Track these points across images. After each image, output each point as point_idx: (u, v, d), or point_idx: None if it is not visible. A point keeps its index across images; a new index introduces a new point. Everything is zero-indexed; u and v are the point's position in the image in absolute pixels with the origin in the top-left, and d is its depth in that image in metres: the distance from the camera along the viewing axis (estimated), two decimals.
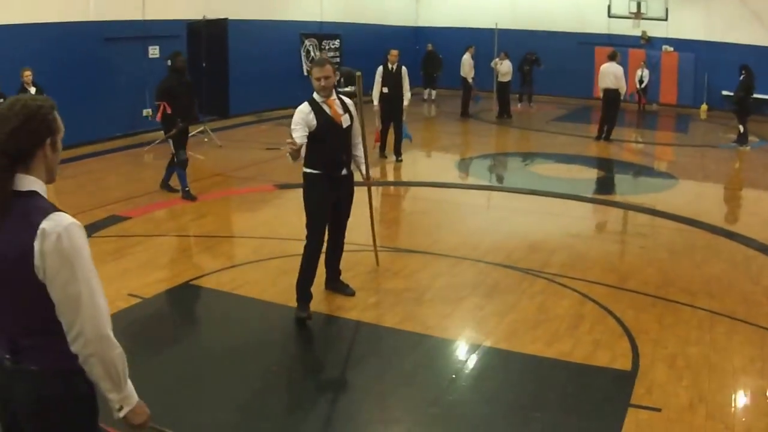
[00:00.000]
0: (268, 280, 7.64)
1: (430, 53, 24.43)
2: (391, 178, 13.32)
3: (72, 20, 15.64)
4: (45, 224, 2.59)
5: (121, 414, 2.74)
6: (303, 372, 5.92)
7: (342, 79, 19.43)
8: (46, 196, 2.73)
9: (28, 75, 12.92)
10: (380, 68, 14.03)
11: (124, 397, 2.73)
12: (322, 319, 6.67)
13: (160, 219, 10.13)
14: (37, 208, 2.64)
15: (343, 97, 6.81)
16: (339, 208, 6.84)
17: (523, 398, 5.25)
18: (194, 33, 16.94)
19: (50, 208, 2.66)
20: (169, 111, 10.49)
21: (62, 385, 2.72)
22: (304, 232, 6.67)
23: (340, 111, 6.62)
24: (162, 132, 11.27)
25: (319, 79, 6.43)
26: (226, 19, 16.78)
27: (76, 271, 2.61)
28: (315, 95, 6.53)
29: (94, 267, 2.69)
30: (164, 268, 8.07)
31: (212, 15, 16.97)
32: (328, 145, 6.54)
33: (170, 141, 10.74)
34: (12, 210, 2.62)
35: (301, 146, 6.21)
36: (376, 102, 14.03)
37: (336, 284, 7.25)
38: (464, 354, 6.01)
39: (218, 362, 5.85)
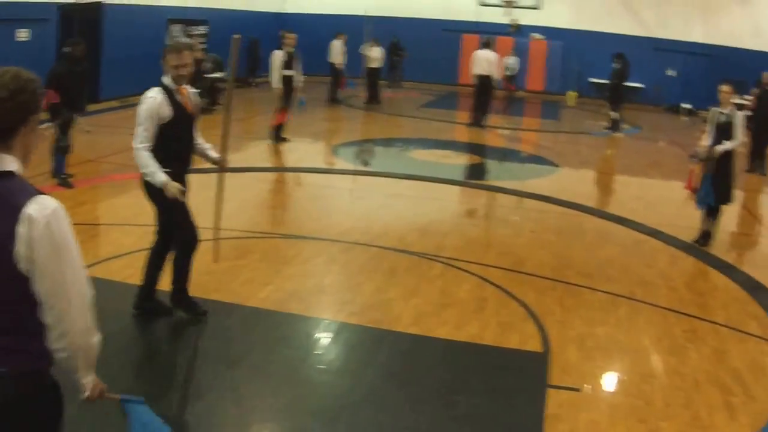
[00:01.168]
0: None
1: (279, 38, 24.08)
2: (269, 164, 13.11)
3: None
4: (31, 209, 2.38)
5: (86, 394, 2.66)
6: (218, 361, 5.57)
7: (210, 66, 19.23)
8: (22, 175, 2.51)
9: None
10: (278, 52, 14.11)
11: (90, 378, 2.65)
12: (222, 309, 6.37)
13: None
14: (19, 189, 2.43)
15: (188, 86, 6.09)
16: None
17: (443, 382, 5.18)
18: (66, 17, 16.34)
19: (33, 191, 2.44)
20: (56, 100, 9.93)
21: (30, 386, 2.53)
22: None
23: (190, 100, 6.02)
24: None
25: (176, 67, 5.78)
26: (100, 3, 16.21)
27: (65, 258, 2.44)
28: (166, 81, 5.85)
29: (79, 252, 2.51)
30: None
31: None
32: (180, 140, 5.91)
33: (56, 127, 10.25)
34: None
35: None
36: (276, 85, 14.00)
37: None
38: (375, 340, 5.85)
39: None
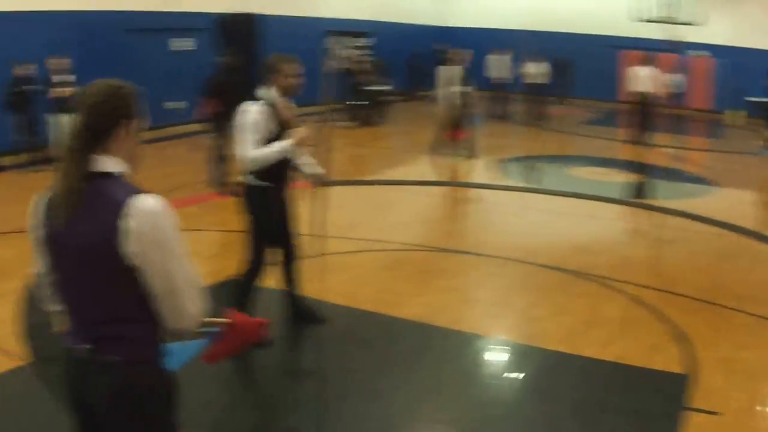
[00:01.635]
0: (311, 278, 7.71)
1: (438, 53, 24.06)
2: (431, 178, 13.32)
3: (92, 9, 15.77)
4: (135, 205, 2.50)
5: None
6: (361, 370, 5.82)
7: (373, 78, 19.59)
8: (128, 178, 2.67)
9: (55, 63, 13.14)
10: (443, 68, 14.16)
11: None
12: (372, 318, 6.73)
13: (193, 214, 10.15)
14: (121, 188, 2.57)
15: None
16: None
17: (585, 400, 5.30)
18: (222, 27, 17.04)
19: (135, 189, 2.58)
20: (219, 108, 10.49)
21: (142, 377, 2.67)
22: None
23: (292, 113, 5.89)
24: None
25: (291, 77, 5.72)
26: (254, 14, 16.81)
27: (173, 250, 2.57)
28: (269, 94, 5.73)
29: (184, 243, 2.63)
30: (204, 263, 8.03)
31: (240, 9, 17.06)
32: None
33: (219, 137, 10.84)
34: (96, 191, 2.54)
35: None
36: (442, 102, 14.13)
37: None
38: (520, 355, 6.08)
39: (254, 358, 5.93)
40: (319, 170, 6.21)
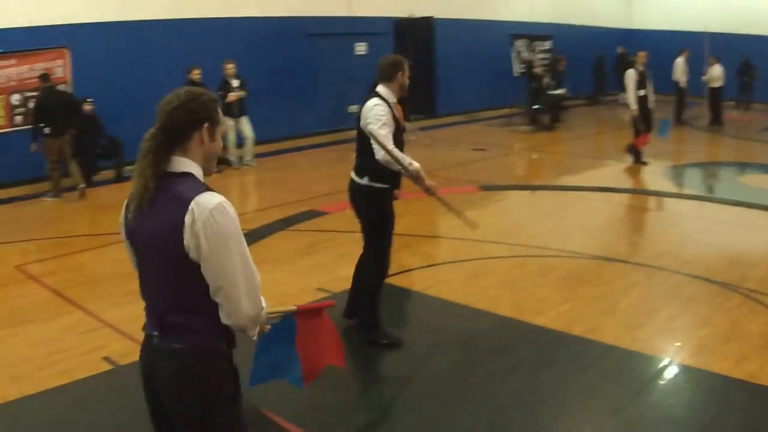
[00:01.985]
0: (459, 281, 7.80)
1: (621, 56, 23.53)
2: (602, 184, 12.82)
3: (274, 15, 16.38)
4: (198, 201, 2.67)
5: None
6: (483, 376, 5.82)
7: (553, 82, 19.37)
8: (202, 180, 2.84)
9: (231, 68, 13.82)
10: (632, 71, 13.83)
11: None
12: (508, 324, 6.72)
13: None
14: (190, 187, 2.73)
15: None
16: None
17: (704, 418, 5.10)
18: (400, 32, 17.28)
19: (204, 188, 2.74)
20: None
21: (205, 365, 2.79)
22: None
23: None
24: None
25: (407, 79, 5.82)
26: (431, 18, 16.95)
27: (230, 247, 2.69)
28: (387, 95, 5.75)
29: (245, 242, 2.77)
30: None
31: (419, 13, 17.24)
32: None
33: None
34: (168, 189, 2.72)
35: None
36: (634, 106, 13.78)
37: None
38: (649, 368, 5.89)
39: (392, 359, 6.09)
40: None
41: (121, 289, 7.47)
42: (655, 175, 13.54)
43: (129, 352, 5.88)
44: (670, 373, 5.77)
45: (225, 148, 13.70)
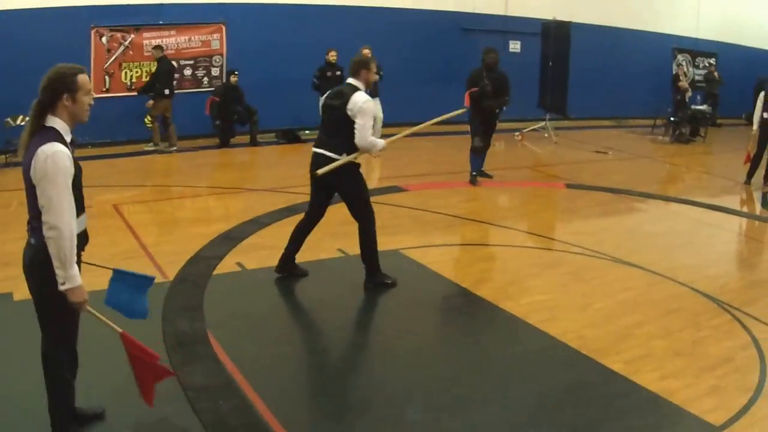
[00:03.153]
0: (464, 264, 7.89)
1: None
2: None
3: (429, 8, 16.64)
4: (42, 149, 3.63)
5: (62, 288, 3.69)
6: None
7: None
8: (63, 132, 3.75)
9: (367, 53, 14.08)
10: (762, 94, 12.88)
11: (68, 276, 3.67)
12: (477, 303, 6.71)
13: (429, 195, 10.63)
14: (46, 138, 3.68)
15: None
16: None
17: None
18: (546, 33, 17.04)
19: (53, 139, 3.68)
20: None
21: (44, 253, 3.68)
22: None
23: None
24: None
25: (378, 74, 6.72)
26: (569, 23, 16.58)
27: (45, 183, 3.61)
28: (363, 87, 6.66)
29: (65, 182, 3.63)
30: (393, 235, 8.43)
31: (563, 17, 16.92)
32: None
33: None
34: (37, 137, 3.70)
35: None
36: (755, 127, 12.91)
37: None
38: (558, 353, 5.76)
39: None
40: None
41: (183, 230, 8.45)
42: (741, 195, 12.58)
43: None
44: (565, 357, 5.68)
45: None
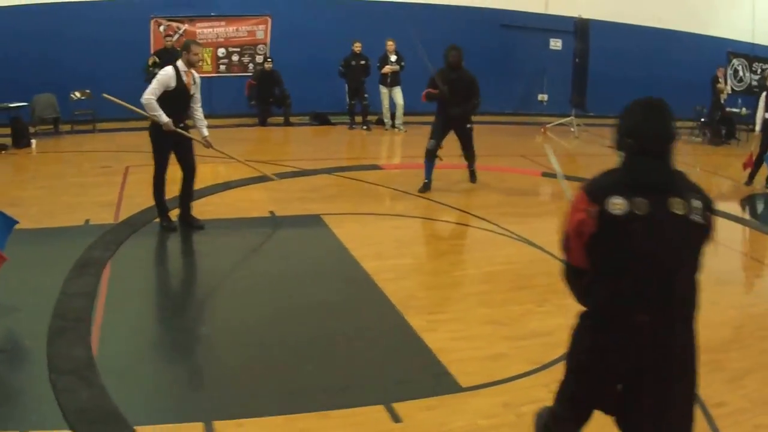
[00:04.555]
0: (368, 232, 8.19)
1: None
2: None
3: (467, 4, 16.76)
4: None
5: None
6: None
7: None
8: None
9: (390, 45, 14.46)
10: (764, 94, 12.09)
11: None
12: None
13: (397, 174, 10.89)
14: None
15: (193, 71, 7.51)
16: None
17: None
18: (578, 31, 16.67)
19: None
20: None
21: None
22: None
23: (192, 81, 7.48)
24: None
25: (197, 54, 7.40)
26: (588, 20, 16.20)
27: None
28: (180, 65, 7.33)
29: None
30: (334, 202, 9.06)
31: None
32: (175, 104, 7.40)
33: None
34: None
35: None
36: (758, 128, 12.11)
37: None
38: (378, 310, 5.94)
39: None
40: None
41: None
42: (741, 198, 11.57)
43: None
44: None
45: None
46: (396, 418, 4.23)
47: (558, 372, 3.31)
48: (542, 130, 16.30)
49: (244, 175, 9.91)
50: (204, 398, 4.46)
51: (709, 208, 2.90)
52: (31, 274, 6.15)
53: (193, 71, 7.49)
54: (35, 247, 6.96)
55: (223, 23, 15.32)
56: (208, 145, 7.98)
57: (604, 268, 2.95)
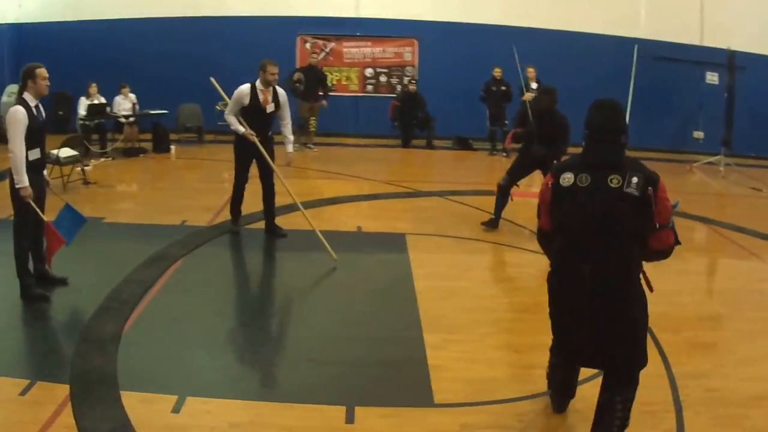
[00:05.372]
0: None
1: None
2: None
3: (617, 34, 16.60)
4: (12, 107, 5.90)
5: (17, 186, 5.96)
6: None
7: None
8: (29, 101, 5.93)
9: (531, 71, 14.52)
10: None
11: (18, 181, 5.86)
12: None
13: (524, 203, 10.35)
14: (17, 101, 5.97)
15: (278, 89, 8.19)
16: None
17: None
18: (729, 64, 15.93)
19: (18, 102, 5.91)
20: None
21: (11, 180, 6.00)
22: None
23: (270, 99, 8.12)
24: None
25: (273, 74, 8.01)
26: (735, 53, 15.39)
27: (8, 128, 5.87)
28: (258, 84, 8.06)
29: (20, 135, 5.80)
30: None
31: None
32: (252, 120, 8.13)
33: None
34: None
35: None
36: None
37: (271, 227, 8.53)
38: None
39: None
40: None
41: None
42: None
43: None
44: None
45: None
46: (350, 420, 4.63)
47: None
48: (688, 167, 15.79)
49: (351, 192, 10.63)
50: (188, 375, 5.11)
51: (651, 184, 3.79)
52: (105, 262, 7.16)
53: (279, 89, 8.19)
54: (123, 239, 8.02)
55: (369, 43, 16.26)
56: (288, 162, 8.64)
57: (558, 228, 4.06)
